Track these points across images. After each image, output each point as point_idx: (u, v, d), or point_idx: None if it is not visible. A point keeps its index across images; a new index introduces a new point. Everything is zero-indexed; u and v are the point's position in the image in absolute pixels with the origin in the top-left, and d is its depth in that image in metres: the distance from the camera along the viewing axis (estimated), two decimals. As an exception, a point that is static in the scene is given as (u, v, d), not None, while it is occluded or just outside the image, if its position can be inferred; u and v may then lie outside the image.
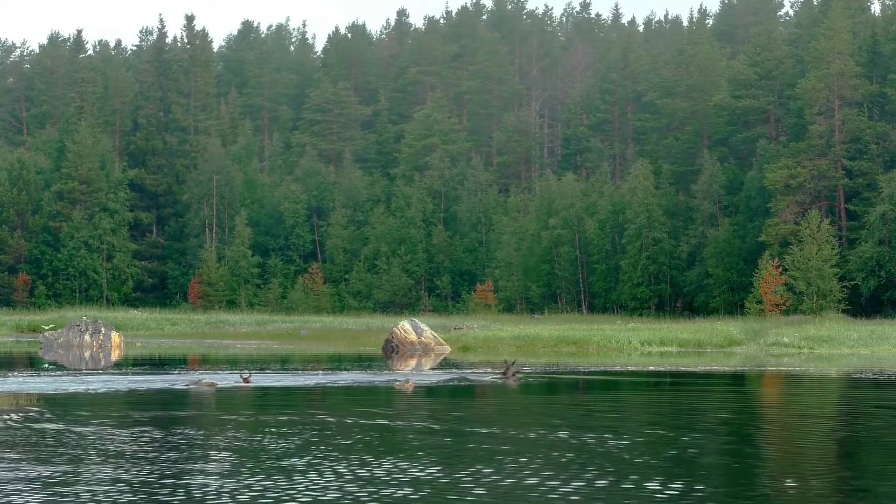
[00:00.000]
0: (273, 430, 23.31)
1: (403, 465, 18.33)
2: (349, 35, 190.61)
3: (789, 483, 17.07)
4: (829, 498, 16.01)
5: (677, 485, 16.57)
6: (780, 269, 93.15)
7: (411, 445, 21.35)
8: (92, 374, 41.64)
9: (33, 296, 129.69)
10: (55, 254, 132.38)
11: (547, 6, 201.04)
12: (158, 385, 35.69)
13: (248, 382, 36.56)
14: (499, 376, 39.34)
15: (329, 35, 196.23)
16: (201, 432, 23.09)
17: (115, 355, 60.43)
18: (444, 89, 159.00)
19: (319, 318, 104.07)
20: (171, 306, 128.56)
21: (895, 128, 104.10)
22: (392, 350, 63.52)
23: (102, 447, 20.61)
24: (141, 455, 19.53)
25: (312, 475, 17.30)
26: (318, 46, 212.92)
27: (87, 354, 61.24)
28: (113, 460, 18.88)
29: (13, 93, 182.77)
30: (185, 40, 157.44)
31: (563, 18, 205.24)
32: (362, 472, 17.61)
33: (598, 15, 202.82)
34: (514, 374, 38.80)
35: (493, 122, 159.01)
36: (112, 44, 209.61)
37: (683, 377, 43.49)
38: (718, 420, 27.24)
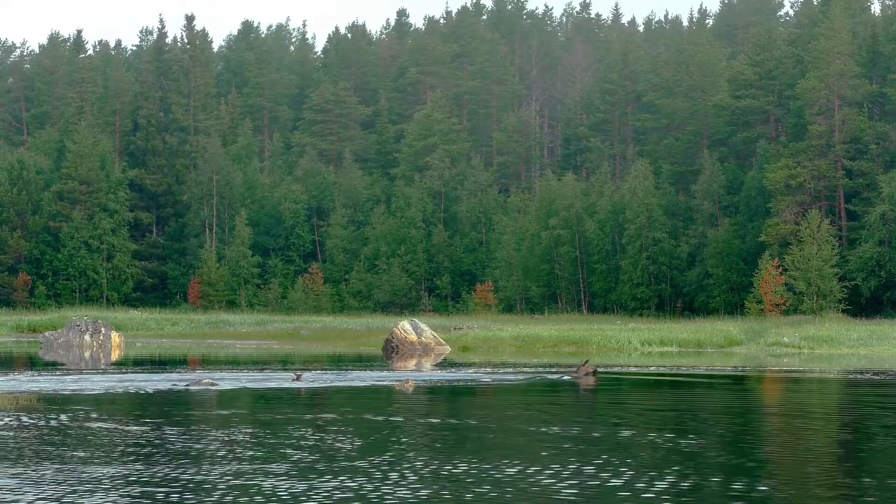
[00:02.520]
0: (331, 429, 23.09)
1: (483, 465, 18.21)
2: (349, 35, 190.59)
3: (867, 480, 17.28)
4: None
5: (763, 486, 16.60)
6: (780, 269, 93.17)
7: (479, 444, 21.31)
8: (115, 374, 41.68)
9: (33, 296, 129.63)
10: (55, 254, 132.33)
11: (547, 6, 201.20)
12: (178, 385, 35.66)
13: (299, 381, 36.57)
14: (573, 374, 39.99)
15: (329, 35, 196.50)
16: (254, 432, 22.87)
17: (115, 355, 60.44)
18: (444, 89, 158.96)
19: (319, 318, 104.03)
20: (171, 306, 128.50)
21: (895, 128, 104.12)
22: (392, 350, 63.53)
23: (161, 446, 20.51)
24: (207, 455, 19.40)
25: (378, 475, 17.17)
26: (318, 46, 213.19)
27: (87, 354, 61.26)
28: (177, 460, 18.77)
29: (13, 93, 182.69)
30: (185, 40, 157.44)
31: (563, 18, 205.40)
32: (430, 472, 17.51)
33: (598, 15, 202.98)
34: (587, 374, 39.28)
35: (493, 122, 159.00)
36: (112, 44, 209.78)
37: (714, 377, 43.44)
38: (780, 418, 27.37)
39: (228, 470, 17.74)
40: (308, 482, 16.52)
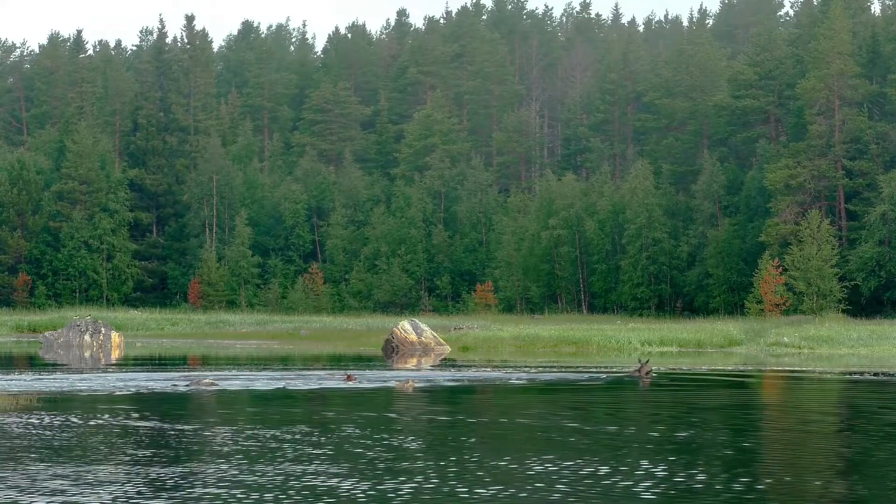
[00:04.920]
0: (393, 429, 23.01)
1: (559, 463, 18.20)
2: (349, 35, 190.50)
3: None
4: None
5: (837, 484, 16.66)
6: (780, 269, 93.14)
7: (549, 443, 21.29)
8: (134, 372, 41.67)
9: (33, 296, 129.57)
10: (55, 254, 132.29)
11: (547, 6, 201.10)
12: (179, 384, 35.62)
13: (352, 381, 36.31)
14: (634, 373, 40.90)
15: (329, 35, 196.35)
16: (302, 431, 22.71)
17: (115, 355, 60.45)
18: (444, 89, 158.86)
19: (319, 318, 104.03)
20: (172, 306, 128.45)
21: (895, 128, 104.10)
22: (392, 350, 63.54)
23: (214, 447, 20.37)
24: (263, 455, 19.24)
25: (453, 476, 16.98)
26: (318, 46, 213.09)
27: (87, 354, 61.25)
28: (231, 460, 18.61)
29: (13, 93, 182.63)
30: (185, 40, 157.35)
31: (563, 18, 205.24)
32: (505, 472, 17.42)
33: (598, 15, 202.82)
34: (647, 373, 40.11)
35: (493, 122, 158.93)
36: (112, 44, 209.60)
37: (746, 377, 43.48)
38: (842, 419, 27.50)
39: (285, 470, 17.57)
40: (386, 484, 16.32)
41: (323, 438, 21.60)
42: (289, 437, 21.75)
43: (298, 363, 51.31)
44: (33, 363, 52.06)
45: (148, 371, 43.64)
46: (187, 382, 35.78)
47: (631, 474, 17.18)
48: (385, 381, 38.08)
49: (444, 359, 57.22)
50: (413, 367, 49.11)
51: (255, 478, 16.92)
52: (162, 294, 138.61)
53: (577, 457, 19.00)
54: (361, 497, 15.42)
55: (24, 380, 37.71)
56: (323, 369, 45.16)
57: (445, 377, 40.86)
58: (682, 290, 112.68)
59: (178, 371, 43.33)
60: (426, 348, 63.91)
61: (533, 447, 20.77)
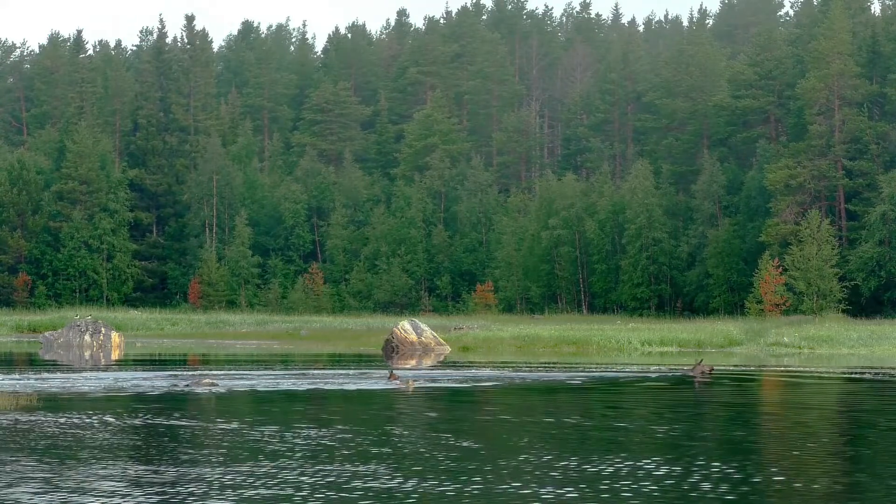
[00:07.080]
0: (451, 429, 22.85)
1: (626, 463, 18.13)
2: (349, 35, 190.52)
3: None
4: None
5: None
6: (780, 269, 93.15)
7: (611, 443, 21.27)
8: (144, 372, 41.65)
9: (33, 296, 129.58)
10: (55, 254, 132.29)
11: (547, 6, 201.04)
12: (177, 384, 35.62)
13: (396, 380, 36.08)
14: (689, 372, 41.21)
15: (329, 35, 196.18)
16: (352, 431, 22.57)
17: (115, 355, 60.44)
18: (444, 89, 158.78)
19: (319, 318, 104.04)
20: (172, 306, 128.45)
21: (895, 128, 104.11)
22: (392, 350, 63.56)
23: (267, 446, 20.25)
24: (310, 455, 19.12)
25: (525, 476, 16.82)
26: (318, 46, 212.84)
27: (87, 354, 61.24)
28: (280, 460, 18.46)
29: (13, 93, 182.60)
30: (185, 40, 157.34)
31: (563, 18, 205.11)
32: (575, 471, 17.32)
33: (598, 15, 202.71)
34: (702, 372, 40.18)
35: (493, 122, 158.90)
36: (112, 44, 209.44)
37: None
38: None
39: (336, 469, 17.44)
40: (452, 484, 16.11)
41: (383, 439, 21.36)
42: (334, 436, 21.59)
43: (303, 362, 51.30)
44: (34, 363, 52.05)
45: (154, 370, 43.59)
46: (187, 382, 35.82)
47: (692, 473, 17.08)
48: (437, 381, 37.92)
49: (445, 359, 57.23)
50: (465, 364, 49.36)
51: (305, 478, 16.78)
52: (162, 294, 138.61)
53: (647, 457, 18.95)
54: (432, 498, 15.39)
55: (34, 379, 37.67)
56: (360, 369, 45.20)
57: (491, 376, 40.75)
58: (682, 290, 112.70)
59: (197, 370, 43.31)
60: (426, 348, 63.92)
61: (598, 447, 20.71)
